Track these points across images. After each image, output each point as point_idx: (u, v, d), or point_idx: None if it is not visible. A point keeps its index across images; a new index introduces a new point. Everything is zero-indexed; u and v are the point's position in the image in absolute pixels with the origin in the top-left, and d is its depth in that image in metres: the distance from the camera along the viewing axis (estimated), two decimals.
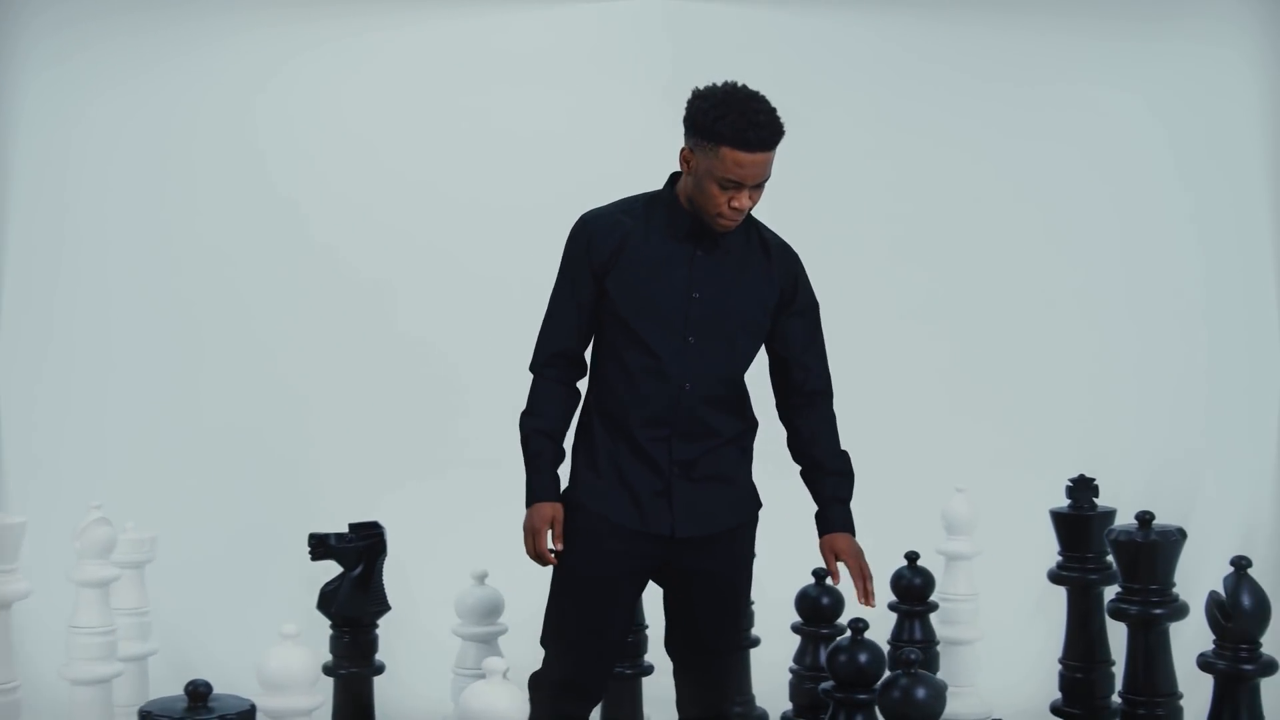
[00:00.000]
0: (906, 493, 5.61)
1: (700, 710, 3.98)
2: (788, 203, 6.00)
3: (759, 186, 3.69)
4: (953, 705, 4.99)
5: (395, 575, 4.73)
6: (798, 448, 3.94)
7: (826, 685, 3.78)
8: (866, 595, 3.78)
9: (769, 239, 3.90)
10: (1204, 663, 3.98)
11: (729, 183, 3.64)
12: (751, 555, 3.97)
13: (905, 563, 4.84)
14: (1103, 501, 4.73)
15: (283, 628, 3.83)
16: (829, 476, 3.90)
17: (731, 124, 3.60)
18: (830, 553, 3.87)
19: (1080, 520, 4.63)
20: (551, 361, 3.87)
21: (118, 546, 4.74)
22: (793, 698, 4.74)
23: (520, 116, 6.30)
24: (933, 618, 4.94)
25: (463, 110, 6.27)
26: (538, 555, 3.79)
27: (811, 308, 3.93)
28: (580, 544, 3.79)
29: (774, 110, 3.67)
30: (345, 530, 4.57)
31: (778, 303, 3.86)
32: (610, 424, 3.81)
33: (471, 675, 4.53)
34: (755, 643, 4.98)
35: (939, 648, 4.87)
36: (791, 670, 4.76)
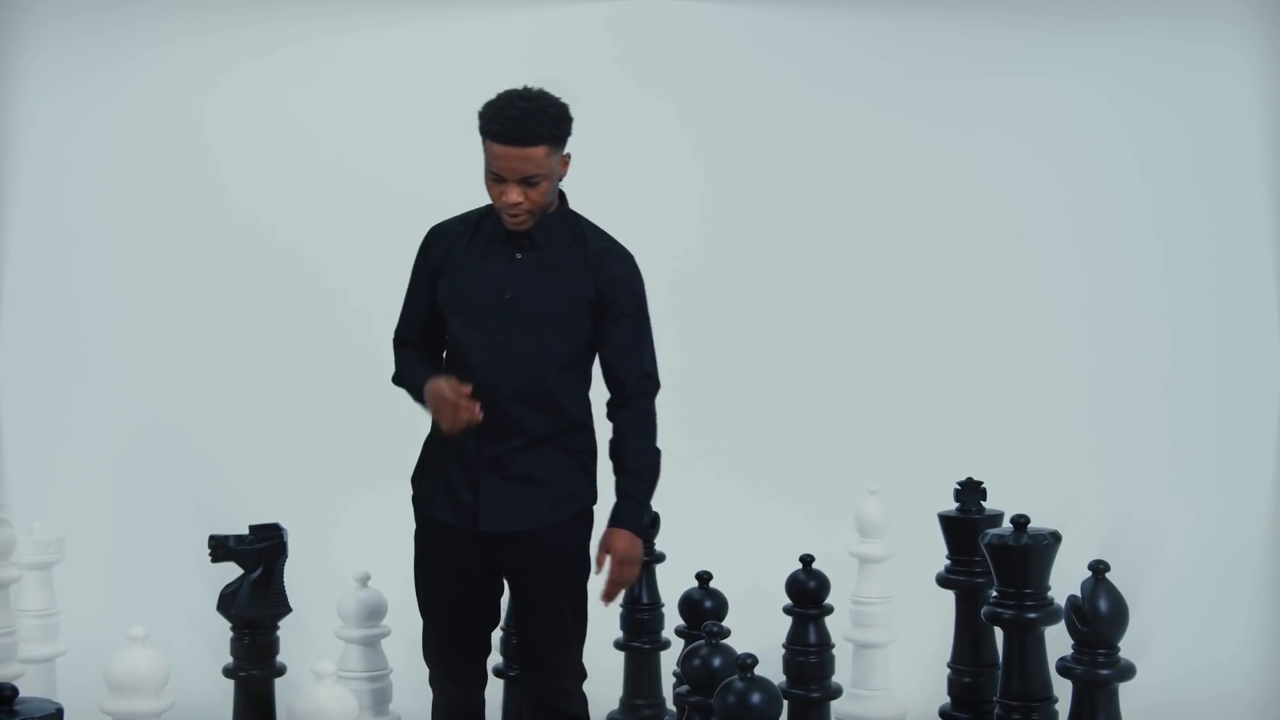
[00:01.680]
0: (820, 494, 5.59)
1: (535, 706, 4.03)
2: (733, 197, 6.06)
3: (530, 183, 3.74)
4: (865, 708, 5.03)
5: (297, 577, 4.75)
6: (611, 445, 4.00)
7: (681, 689, 3.79)
8: (604, 595, 3.89)
9: (594, 243, 3.94)
10: (1062, 667, 3.96)
11: (492, 175, 3.76)
12: (577, 555, 3.99)
13: (800, 565, 4.82)
14: (1010, 508, 4.69)
15: (130, 630, 3.88)
16: (627, 474, 3.94)
17: (486, 117, 3.74)
18: (603, 545, 3.93)
19: (967, 524, 4.61)
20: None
21: (22, 548, 4.80)
22: (676, 701, 4.73)
23: (467, 117, 6.32)
24: (846, 620, 4.92)
25: (413, 110, 6.33)
26: (456, 416, 3.78)
27: (635, 312, 3.96)
28: (417, 539, 3.94)
29: (543, 109, 3.73)
30: (245, 532, 4.59)
31: (594, 304, 3.90)
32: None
33: (355, 678, 4.59)
34: (665, 645, 5.00)
35: (837, 650, 4.83)
36: (675, 674, 4.74)
